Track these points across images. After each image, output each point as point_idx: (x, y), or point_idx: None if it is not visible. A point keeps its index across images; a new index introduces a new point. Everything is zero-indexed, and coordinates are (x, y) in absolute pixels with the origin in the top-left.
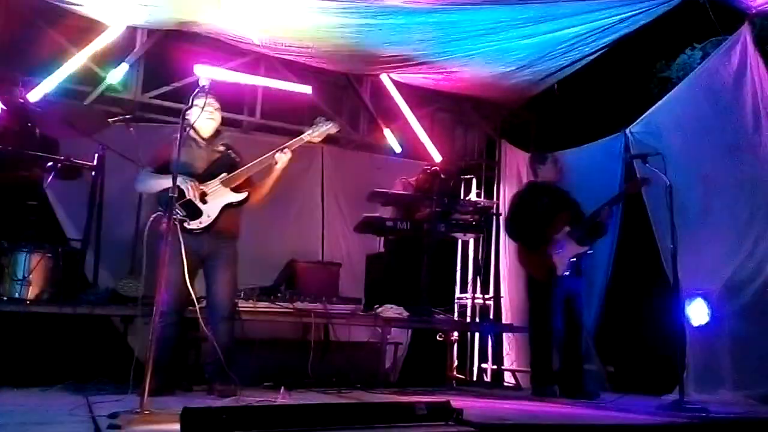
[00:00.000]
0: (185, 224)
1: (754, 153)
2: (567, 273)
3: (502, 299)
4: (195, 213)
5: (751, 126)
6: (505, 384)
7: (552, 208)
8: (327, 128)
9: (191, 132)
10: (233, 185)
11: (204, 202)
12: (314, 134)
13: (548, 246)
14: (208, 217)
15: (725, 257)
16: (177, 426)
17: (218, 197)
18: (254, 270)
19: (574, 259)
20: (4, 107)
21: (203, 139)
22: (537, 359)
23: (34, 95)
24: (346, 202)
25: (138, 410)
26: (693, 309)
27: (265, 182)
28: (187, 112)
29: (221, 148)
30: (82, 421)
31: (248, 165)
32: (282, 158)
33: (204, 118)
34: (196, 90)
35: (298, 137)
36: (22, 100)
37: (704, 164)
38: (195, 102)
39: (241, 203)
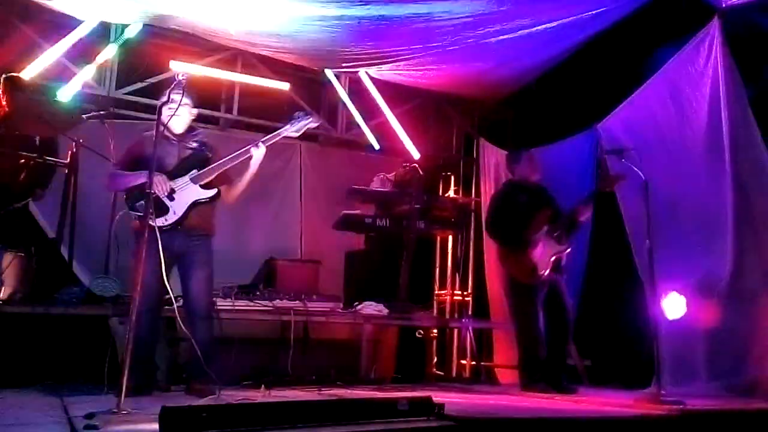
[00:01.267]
0: (150, 221)
1: (717, 149)
2: (548, 272)
3: (485, 295)
4: (162, 209)
5: (711, 122)
6: (484, 380)
7: (531, 207)
8: (306, 123)
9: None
10: (203, 182)
11: (171, 198)
12: (292, 129)
13: (529, 246)
14: (174, 213)
15: (697, 251)
16: (155, 426)
17: (186, 194)
18: (233, 268)
19: (554, 258)
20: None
21: (174, 135)
22: (525, 357)
23: None
24: (324, 200)
25: (115, 410)
26: (668, 303)
27: (242, 178)
28: (163, 108)
29: (194, 145)
30: (58, 422)
31: (220, 161)
32: (257, 153)
33: (167, 115)
34: (173, 85)
35: (275, 132)
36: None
37: (672, 159)
38: (172, 97)
39: (211, 200)
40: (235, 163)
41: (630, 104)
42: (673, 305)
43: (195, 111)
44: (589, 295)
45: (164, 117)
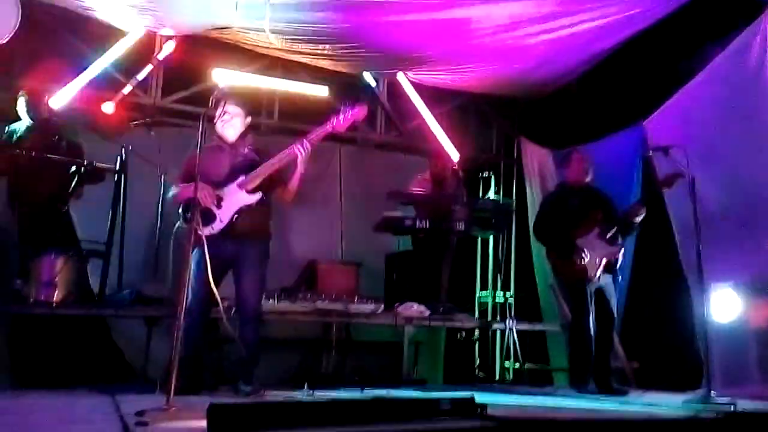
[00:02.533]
0: (198, 231)
1: None
2: (598, 274)
3: (531, 296)
4: (209, 218)
5: (763, 118)
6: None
7: (582, 210)
8: (353, 111)
9: (216, 139)
10: (250, 187)
11: (219, 207)
12: (338, 121)
13: (577, 249)
14: (221, 221)
15: (748, 250)
16: (203, 422)
17: (233, 201)
18: (276, 270)
19: (605, 260)
20: (31, 122)
21: (227, 144)
22: (575, 358)
23: (56, 101)
24: (364, 202)
25: (164, 407)
26: (720, 303)
27: (294, 178)
28: (217, 119)
29: (245, 151)
30: (110, 419)
31: (264, 164)
32: (304, 150)
33: (221, 126)
34: (215, 94)
35: (323, 127)
36: (47, 115)
37: (723, 157)
38: (226, 108)
39: (259, 204)
40: (281, 164)
41: (677, 101)
42: (724, 305)
43: (248, 119)
44: (637, 297)
45: (218, 128)
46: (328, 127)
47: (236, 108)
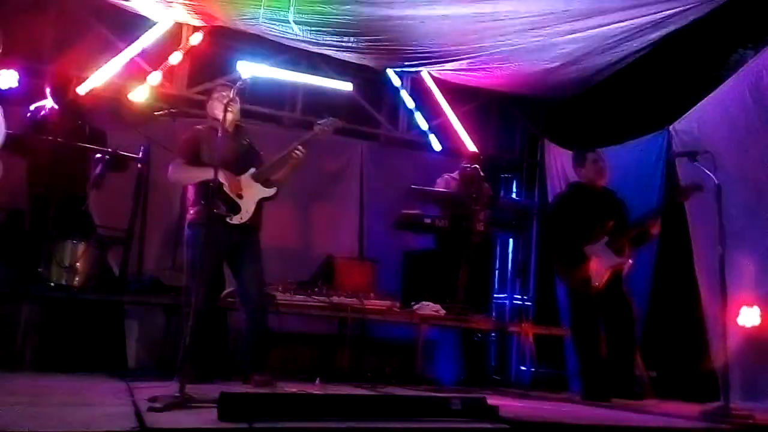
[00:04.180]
0: (227, 219)
1: None
2: (603, 284)
3: (549, 301)
4: (234, 208)
5: None
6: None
7: (593, 215)
8: (330, 123)
9: (214, 123)
10: (262, 180)
11: (240, 197)
12: (317, 130)
13: (584, 257)
14: (247, 212)
15: None
16: (214, 410)
17: (253, 192)
18: (294, 265)
19: (612, 270)
20: (56, 105)
21: (228, 131)
22: (583, 366)
23: (82, 89)
24: (384, 199)
25: (177, 394)
26: (742, 314)
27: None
28: (229, 105)
29: (246, 141)
30: (123, 404)
31: (274, 161)
32: (303, 154)
33: (227, 110)
34: (239, 85)
35: (307, 136)
36: (73, 98)
37: (750, 165)
38: (215, 95)
39: (272, 198)
40: (288, 162)
41: (705, 105)
42: (748, 316)
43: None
44: (657, 306)
45: (228, 115)
46: (308, 136)
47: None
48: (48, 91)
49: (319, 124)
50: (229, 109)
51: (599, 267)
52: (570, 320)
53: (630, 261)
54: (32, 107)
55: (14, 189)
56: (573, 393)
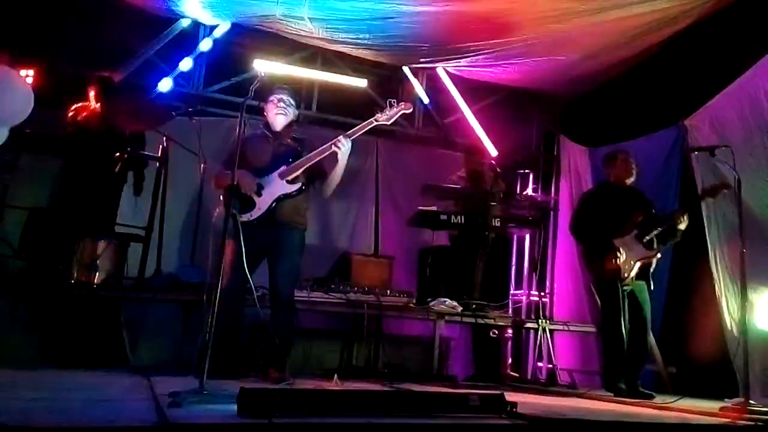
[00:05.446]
0: (238, 217)
1: None
2: (631, 276)
3: (554, 296)
4: (248, 205)
5: None
6: (561, 383)
7: (624, 210)
8: (398, 110)
9: (262, 127)
10: (290, 177)
11: (259, 194)
12: (383, 118)
13: (612, 249)
14: (259, 209)
15: None
16: (233, 405)
17: (273, 189)
18: (312, 262)
19: (640, 263)
20: (98, 107)
21: (272, 132)
22: (607, 360)
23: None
24: (400, 196)
25: (197, 390)
26: (762, 309)
27: (334, 172)
28: (267, 107)
29: (289, 141)
30: (145, 399)
31: (305, 156)
32: (343, 147)
33: (274, 112)
34: (255, 83)
35: (367, 122)
36: (115, 101)
37: (765, 161)
38: (270, 97)
39: (298, 194)
40: (322, 157)
41: (720, 100)
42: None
43: (296, 112)
44: (676, 302)
45: (270, 114)
46: (371, 122)
47: (291, 99)
48: (92, 93)
49: (385, 109)
50: (276, 111)
51: (628, 258)
52: (603, 312)
53: (659, 255)
54: (73, 108)
55: (37, 188)
56: (591, 389)
